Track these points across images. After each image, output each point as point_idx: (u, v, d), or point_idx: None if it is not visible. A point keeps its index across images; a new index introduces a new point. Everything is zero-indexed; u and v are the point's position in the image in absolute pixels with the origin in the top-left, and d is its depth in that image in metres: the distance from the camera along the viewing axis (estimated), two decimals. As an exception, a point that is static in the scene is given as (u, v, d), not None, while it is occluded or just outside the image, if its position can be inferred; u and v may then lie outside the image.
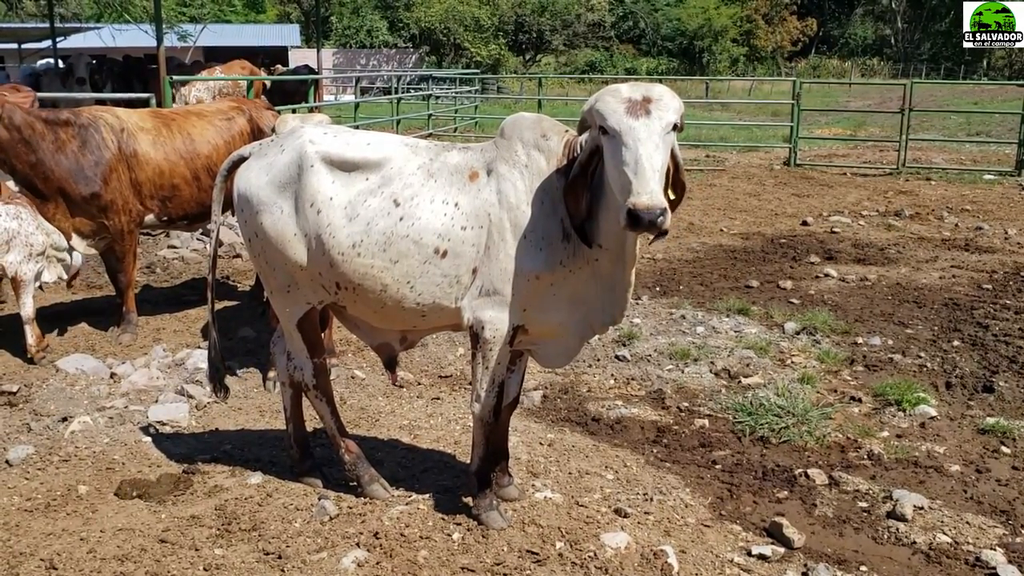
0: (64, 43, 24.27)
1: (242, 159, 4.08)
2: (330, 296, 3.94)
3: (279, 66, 24.84)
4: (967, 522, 4.11)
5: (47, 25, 21.32)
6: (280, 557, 3.67)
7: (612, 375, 6.11)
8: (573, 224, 3.50)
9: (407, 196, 3.71)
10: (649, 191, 3.02)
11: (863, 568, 3.76)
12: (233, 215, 4.31)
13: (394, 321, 3.95)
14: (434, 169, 3.77)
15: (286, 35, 46.51)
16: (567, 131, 3.71)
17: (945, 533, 4.01)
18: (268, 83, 17.79)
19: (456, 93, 26.71)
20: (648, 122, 3.14)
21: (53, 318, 7.03)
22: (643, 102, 3.17)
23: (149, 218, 6.68)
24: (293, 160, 3.83)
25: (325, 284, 3.88)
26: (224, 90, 14.01)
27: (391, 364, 4.29)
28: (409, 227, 3.68)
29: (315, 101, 16.64)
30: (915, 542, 3.96)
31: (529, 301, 3.66)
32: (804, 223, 11.52)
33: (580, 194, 3.43)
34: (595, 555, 3.71)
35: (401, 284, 3.74)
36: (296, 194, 3.80)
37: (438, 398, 5.65)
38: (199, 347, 6.37)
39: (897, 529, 4.05)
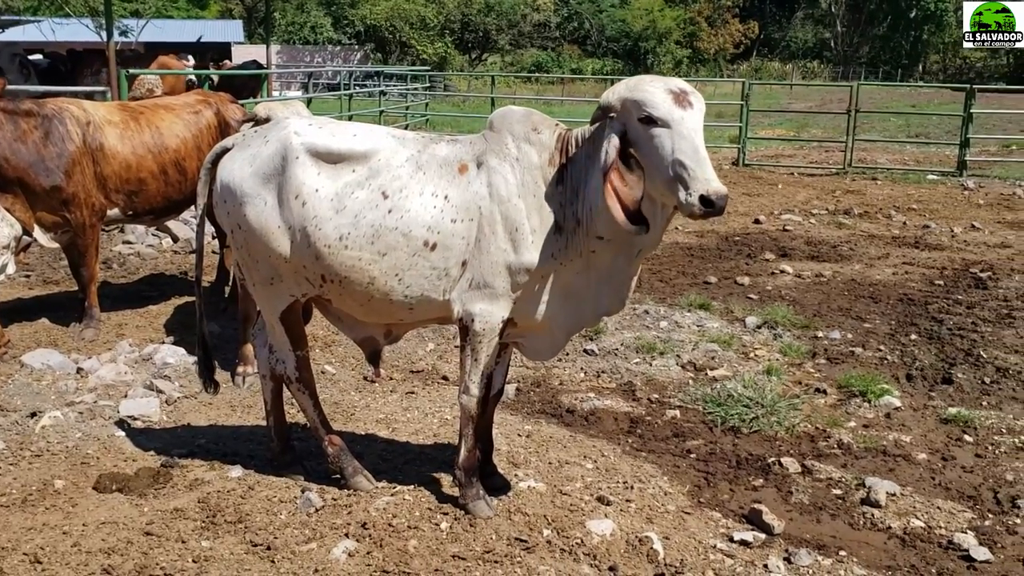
0: (2, 36, 23.65)
1: (226, 150, 4.04)
2: (315, 289, 3.92)
3: (227, 61, 24.55)
4: (938, 507, 4.26)
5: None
6: (269, 548, 3.65)
7: (582, 368, 6.18)
8: (627, 211, 3.35)
9: (396, 188, 3.71)
10: (715, 177, 3.16)
11: (842, 553, 3.87)
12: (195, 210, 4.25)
13: (381, 314, 3.96)
14: (423, 161, 3.77)
15: (229, 31, 45.94)
16: (558, 125, 3.75)
17: (918, 518, 4.15)
18: (215, 78, 17.60)
19: (406, 90, 26.60)
20: (694, 113, 3.25)
21: (12, 313, 6.87)
22: (683, 93, 3.28)
23: (114, 212, 6.54)
24: (277, 151, 3.80)
25: (310, 277, 3.86)
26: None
27: (374, 358, 4.30)
28: (398, 219, 3.69)
29: (265, 97, 16.49)
30: (890, 527, 4.09)
31: (519, 294, 3.69)
32: (756, 221, 11.73)
33: (624, 178, 3.38)
34: (582, 541, 3.76)
35: (389, 277, 3.74)
36: (280, 186, 3.78)
37: (412, 392, 5.65)
38: (163, 342, 6.28)
39: (872, 515, 4.17)
